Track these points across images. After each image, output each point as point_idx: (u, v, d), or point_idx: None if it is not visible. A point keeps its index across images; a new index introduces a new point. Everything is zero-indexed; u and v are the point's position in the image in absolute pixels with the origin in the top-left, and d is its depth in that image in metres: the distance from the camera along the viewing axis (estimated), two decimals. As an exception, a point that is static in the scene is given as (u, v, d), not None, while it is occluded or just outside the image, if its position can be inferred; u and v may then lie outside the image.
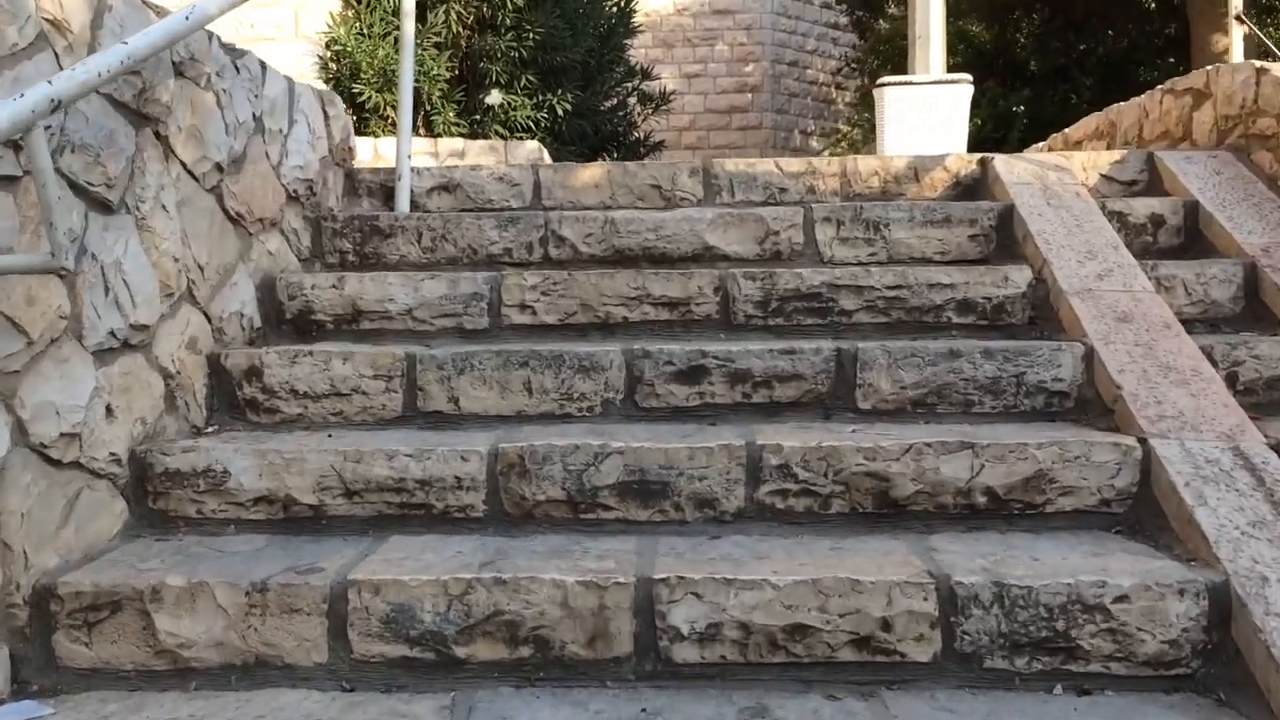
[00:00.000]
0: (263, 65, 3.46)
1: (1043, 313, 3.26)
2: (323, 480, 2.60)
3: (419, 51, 7.84)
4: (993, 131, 11.06)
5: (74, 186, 2.43)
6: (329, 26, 8.47)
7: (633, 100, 9.95)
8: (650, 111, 10.12)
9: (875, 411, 2.93)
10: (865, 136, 14.39)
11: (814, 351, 2.95)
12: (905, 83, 6.64)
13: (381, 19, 8.20)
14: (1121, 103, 5.21)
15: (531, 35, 8.13)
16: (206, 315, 3.03)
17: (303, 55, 9.44)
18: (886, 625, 2.17)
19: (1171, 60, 11.62)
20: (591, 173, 4.12)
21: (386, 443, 2.68)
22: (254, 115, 3.36)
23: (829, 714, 2.06)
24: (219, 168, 3.10)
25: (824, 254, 3.66)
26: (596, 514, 2.60)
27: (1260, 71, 3.89)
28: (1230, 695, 2.10)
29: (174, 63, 2.87)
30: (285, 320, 3.37)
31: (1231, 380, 2.94)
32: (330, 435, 2.84)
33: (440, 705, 2.11)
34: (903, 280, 3.29)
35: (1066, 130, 5.92)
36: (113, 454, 2.53)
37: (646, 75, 10.04)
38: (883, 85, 6.69)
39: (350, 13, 8.44)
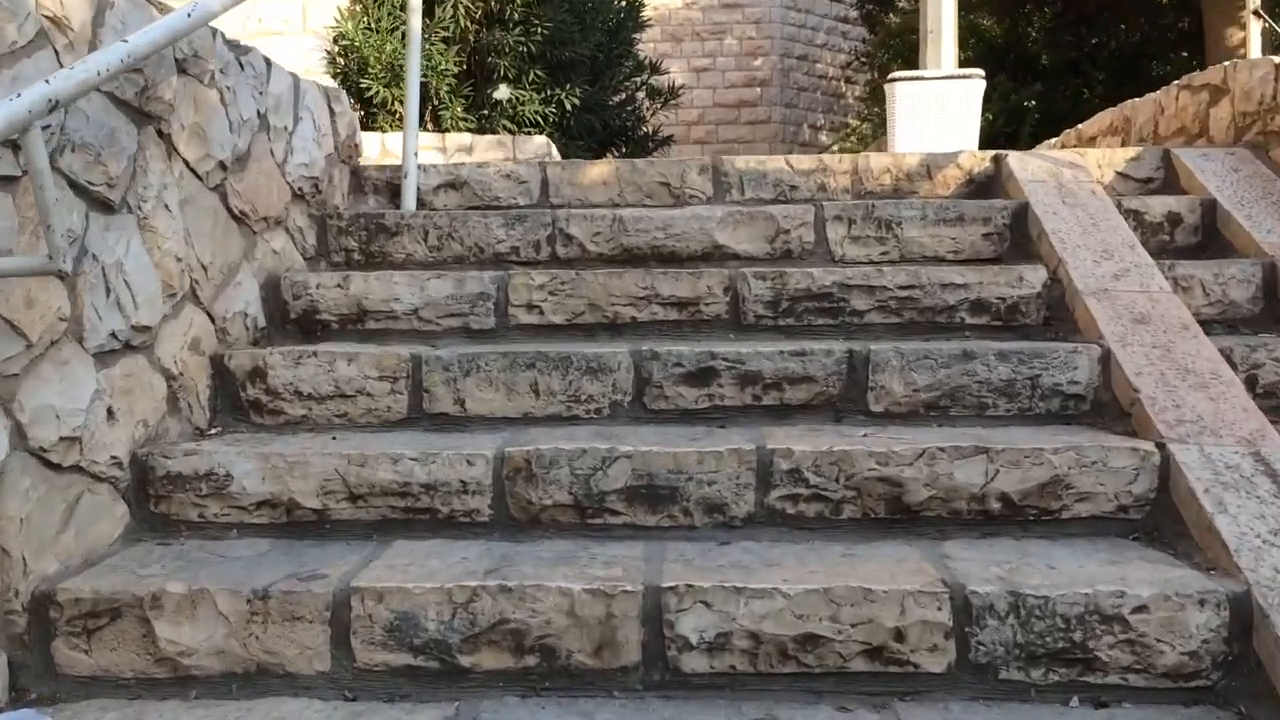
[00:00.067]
0: (267, 62, 3.42)
1: (1058, 313, 3.21)
2: (326, 484, 2.56)
3: (427, 46, 7.80)
4: (1004, 126, 10.98)
5: (74, 186, 2.40)
6: (337, 21, 8.43)
7: (641, 95, 9.89)
8: (659, 106, 10.06)
9: (887, 414, 2.88)
10: (875, 131, 14.31)
11: (825, 353, 2.91)
12: (916, 78, 6.58)
13: (389, 13, 8.15)
14: (1136, 98, 5.15)
15: (540, 30, 8.08)
16: (210, 315, 2.99)
17: (310, 50, 9.39)
18: (900, 635, 2.13)
19: (1184, 54, 11.52)
20: (600, 170, 4.07)
21: (391, 446, 2.65)
22: (258, 112, 3.32)
23: (841, 727, 2.02)
24: (222, 166, 3.06)
25: (835, 253, 3.61)
26: (604, 519, 2.56)
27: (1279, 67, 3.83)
28: (1251, 708, 2.06)
29: (177, 60, 2.83)
30: (290, 320, 3.33)
31: (1251, 383, 2.89)
32: (334, 438, 2.80)
33: (444, 715, 2.08)
34: (915, 280, 3.24)
35: (1080, 126, 5.85)
36: (114, 457, 2.50)
37: (655, 70, 9.98)
38: (894, 80, 6.63)
39: (358, 7, 8.39)
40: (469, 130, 7.84)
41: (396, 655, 2.18)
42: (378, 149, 6.75)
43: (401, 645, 2.18)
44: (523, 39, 8.05)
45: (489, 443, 2.67)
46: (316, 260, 3.69)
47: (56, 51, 2.35)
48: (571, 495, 2.55)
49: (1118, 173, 4.03)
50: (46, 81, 1.99)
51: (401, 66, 7.58)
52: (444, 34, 7.99)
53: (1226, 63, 4.27)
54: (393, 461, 2.56)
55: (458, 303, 3.31)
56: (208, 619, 2.19)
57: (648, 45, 12.09)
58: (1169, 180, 3.98)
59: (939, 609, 2.13)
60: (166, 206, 2.77)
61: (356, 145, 4.22)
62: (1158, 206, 3.65)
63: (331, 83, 7.90)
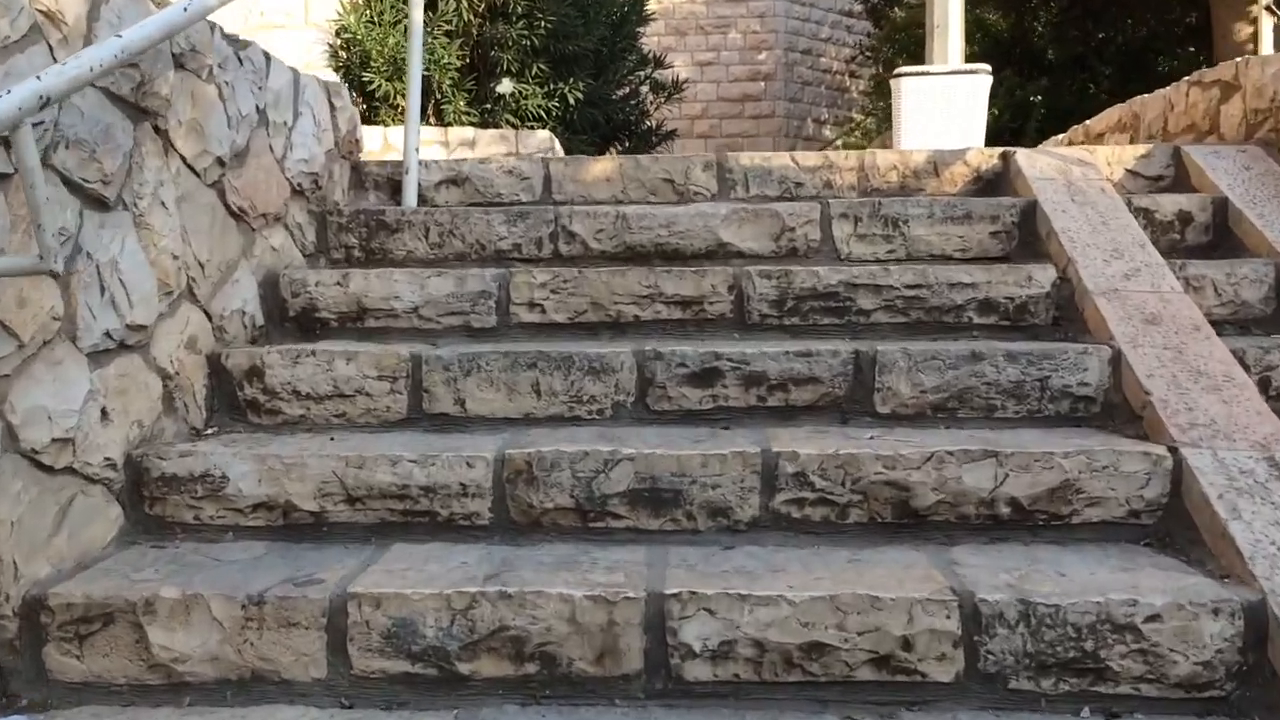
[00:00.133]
0: (267, 56, 3.38)
1: (1067, 313, 3.16)
2: (324, 486, 2.52)
3: (429, 40, 7.75)
4: (1010, 121, 10.91)
5: (68, 183, 2.35)
6: (339, 14, 8.38)
7: (645, 89, 9.83)
8: (663, 100, 10.00)
9: (894, 416, 2.84)
10: (879, 125, 14.24)
11: (831, 354, 2.86)
12: (923, 73, 6.52)
13: (392, 6, 8.10)
14: (1145, 95, 5.09)
15: (543, 23, 8.03)
16: (207, 314, 2.95)
17: (312, 43, 9.35)
18: (907, 644, 2.09)
19: (1192, 49, 11.44)
20: (603, 166, 4.03)
21: (390, 447, 2.61)
22: (257, 108, 3.28)
23: (847, 738, 1.98)
24: (220, 162, 3.02)
25: (841, 251, 3.56)
26: (606, 523, 2.52)
27: (1292, 63, 3.78)
28: (1266, 719, 2.01)
29: (174, 55, 2.78)
30: (288, 318, 3.29)
31: (1264, 385, 2.84)
32: (333, 438, 2.76)
33: (443, 725, 2.04)
34: (922, 279, 3.20)
35: (1088, 122, 5.79)
36: (108, 459, 2.46)
37: (659, 64, 9.92)
38: (900, 75, 6.57)
39: (360, 0, 8.34)
40: (472, 124, 7.80)
41: (394, 662, 2.15)
42: (379, 143, 6.71)
43: (399, 652, 2.14)
44: (526, 32, 8.00)
45: (489, 444, 2.63)
46: (316, 257, 3.65)
47: (50, 46, 2.31)
48: (573, 498, 2.51)
49: (1127, 170, 3.98)
50: (38, 78, 1.94)
51: (404, 60, 7.52)
52: (447, 27, 7.94)
53: (1238, 59, 4.22)
54: (391, 463, 2.52)
55: (459, 301, 3.26)
56: (202, 625, 2.15)
57: (651, 39, 12.02)
58: (1179, 178, 3.93)
59: (948, 617, 2.08)
60: (163, 203, 2.73)
61: (357, 140, 4.18)
62: (1168, 205, 3.60)
63: (333, 76, 7.87)
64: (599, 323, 3.26)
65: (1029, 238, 3.52)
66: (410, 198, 3.92)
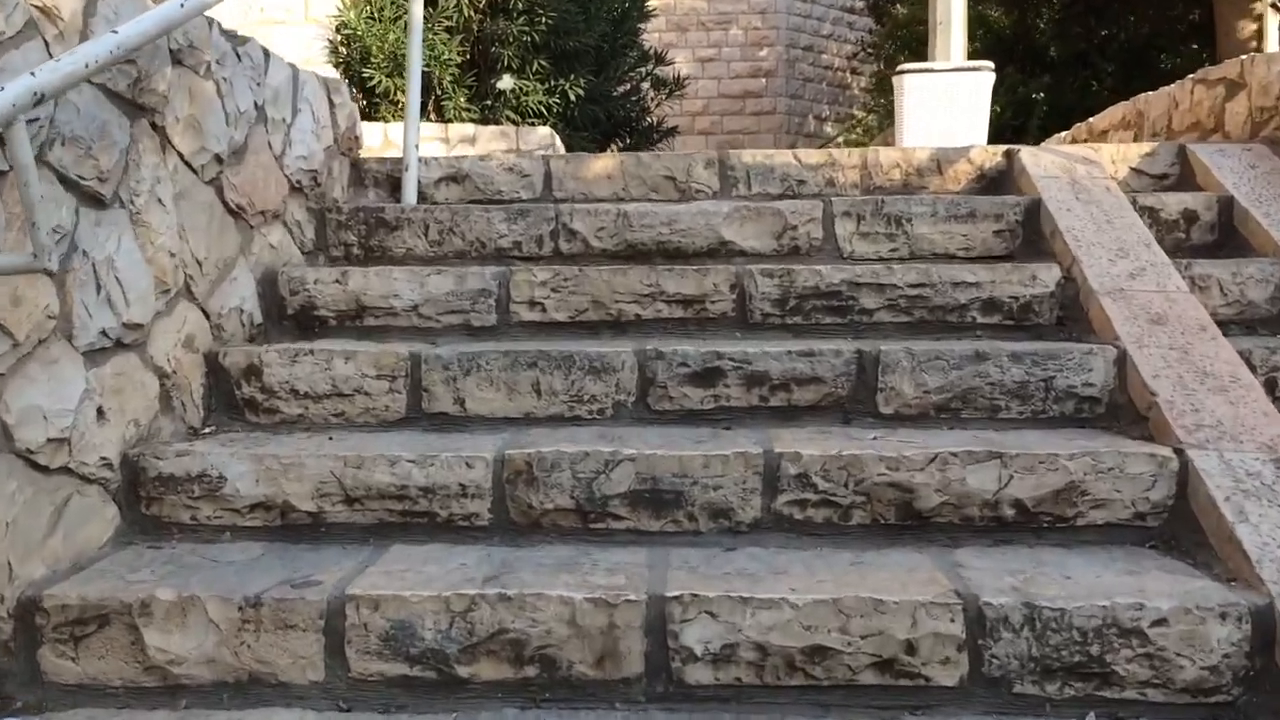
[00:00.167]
0: (265, 53, 3.35)
1: (1071, 313, 3.13)
2: (322, 487, 2.50)
3: (430, 36, 7.72)
4: (1012, 119, 10.87)
5: (64, 180, 2.33)
6: (339, 10, 8.36)
7: (646, 85, 9.80)
8: (664, 97, 9.97)
9: (897, 416, 2.81)
10: (881, 123, 14.20)
11: (834, 353, 2.84)
12: (925, 70, 6.49)
13: (392, 2, 8.08)
14: (1149, 92, 5.06)
15: (544, 19, 8.00)
16: (205, 312, 2.93)
17: (312, 39, 9.32)
18: (911, 648, 2.07)
19: (1194, 47, 11.41)
20: (604, 163, 4.00)
21: (389, 447, 2.58)
22: (256, 104, 3.25)
23: (850, 743, 1.96)
24: (218, 159, 3.00)
25: (844, 249, 3.54)
26: (606, 524, 2.49)
27: (1298, 61, 3.75)
28: (1274, 725, 2.00)
29: (172, 51, 2.76)
30: (287, 316, 3.26)
31: (1270, 386, 2.81)
32: (331, 438, 2.74)
33: (441, 728, 2.02)
34: (926, 278, 3.17)
35: (1091, 119, 5.77)
36: (104, 458, 2.44)
37: (660, 60, 9.89)
38: (902, 73, 6.54)
39: (361, -5, 8.32)
40: (472, 121, 7.77)
41: (392, 665, 2.12)
42: (380, 139, 6.68)
43: (398, 655, 2.12)
44: (527, 28, 7.97)
45: (489, 444, 2.61)
46: (315, 255, 3.62)
47: (46, 42, 2.28)
48: (573, 499, 2.49)
49: (1132, 168, 3.95)
50: (32, 74, 1.92)
51: (404, 56, 7.47)
52: (447, 23, 7.91)
53: (1244, 56, 4.19)
54: (390, 464, 2.50)
55: (458, 299, 3.24)
56: (198, 627, 2.13)
57: (652, 35, 12.01)
58: (1184, 176, 3.90)
59: (952, 621, 2.06)
60: (160, 201, 2.70)
61: (357, 137, 4.15)
62: (1173, 203, 3.57)
63: (334, 73, 7.84)
64: (600, 321, 3.23)
65: (1033, 236, 3.50)
66: (410, 195, 3.90)
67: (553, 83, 8.19)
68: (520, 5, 7.99)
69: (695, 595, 2.11)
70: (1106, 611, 2.04)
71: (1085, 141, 5.64)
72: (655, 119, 9.84)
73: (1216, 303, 3.16)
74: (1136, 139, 5.05)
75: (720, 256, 3.55)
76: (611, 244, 3.57)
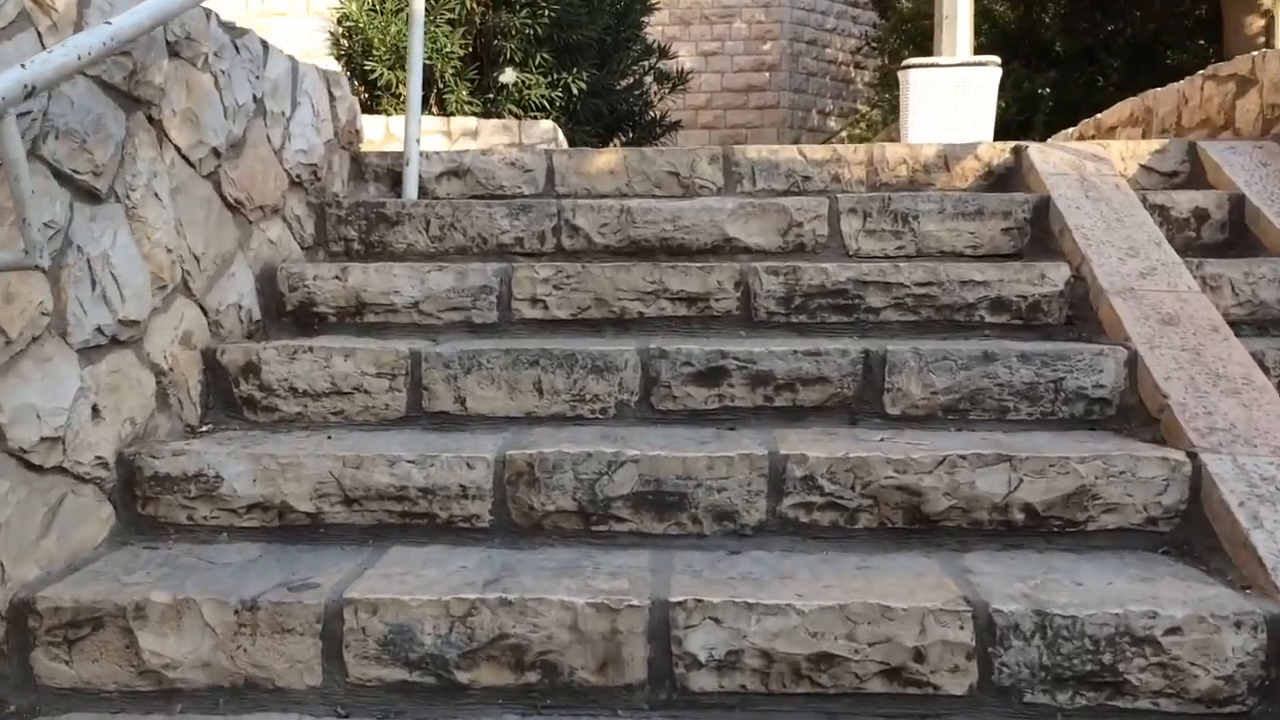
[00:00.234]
0: (264, 45, 3.30)
1: (1081, 313, 3.09)
2: (320, 487, 2.46)
3: (432, 28, 7.67)
4: (1017, 114, 10.80)
5: (58, 175, 2.29)
6: (341, 2, 8.30)
7: (649, 79, 9.74)
8: (667, 91, 9.91)
9: (904, 417, 2.77)
10: (885, 117, 14.13)
11: (840, 353, 2.79)
12: (931, 65, 6.43)
13: (394, -6, 8.02)
14: (1158, 88, 5.01)
15: (547, 12, 7.94)
16: (202, 308, 2.89)
17: (314, 31, 9.28)
18: (919, 655, 2.03)
19: (1201, 42, 11.33)
20: (607, 159, 3.95)
21: (388, 447, 2.54)
22: (254, 97, 3.21)
23: (857, 753, 1.92)
24: (216, 153, 2.95)
25: (849, 247, 3.49)
26: (609, 526, 2.45)
27: (1311, 58, 3.70)
28: (1289, 736, 1.96)
29: (169, 42, 2.71)
30: (286, 312, 3.22)
31: (1283, 388, 2.77)
32: (330, 437, 2.70)
33: (440, 736, 1.98)
34: (933, 277, 3.13)
35: (1099, 115, 5.71)
36: (99, 457, 2.40)
37: (664, 54, 9.82)
38: (908, 67, 6.48)
39: (362, -12, 8.26)
40: (474, 114, 7.72)
41: (391, 670, 2.09)
42: (381, 132, 6.63)
43: (396, 660, 2.08)
44: (529, 21, 7.91)
45: (490, 444, 2.57)
46: (315, 250, 3.58)
47: (39, 34, 2.24)
48: (575, 501, 2.45)
49: (1141, 165, 3.90)
50: (22, 66, 1.88)
51: (406, 49, 7.44)
52: (449, 15, 7.86)
53: (1255, 53, 4.14)
54: (389, 464, 2.46)
55: (459, 296, 3.20)
56: (193, 630, 2.09)
57: (655, 29, 11.94)
58: (1194, 174, 3.86)
59: (961, 628, 2.02)
60: (156, 195, 2.66)
61: (357, 131, 4.11)
62: (1184, 202, 3.53)
63: (335, 65, 7.80)
64: (602, 319, 3.19)
65: (1041, 235, 3.45)
66: (411, 190, 3.86)
67: (555, 76, 8.13)
68: (523, -2, 7.94)
69: (699, 601, 2.07)
70: (1119, 619, 2.00)
71: (1093, 138, 5.59)
72: (658, 113, 9.78)
73: (1228, 303, 3.12)
74: (1145, 135, 5.00)
75: (724, 254, 3.51)
76: (614, 240, 3.53)
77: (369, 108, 7.81)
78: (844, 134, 15.37)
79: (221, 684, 2.10)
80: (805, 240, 3.50)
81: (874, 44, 14.65)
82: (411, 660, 2.08)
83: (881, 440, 2.59)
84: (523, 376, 2.81)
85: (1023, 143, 3.92)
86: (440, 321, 3.20)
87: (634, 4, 9.23)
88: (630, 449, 2.47)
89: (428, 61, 7.50)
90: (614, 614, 2.07)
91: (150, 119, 2.65)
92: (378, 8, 8.02)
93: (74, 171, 2.32)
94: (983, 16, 11.12)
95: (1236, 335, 2.85)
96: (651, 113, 9.68)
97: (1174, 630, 2.00)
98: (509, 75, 8.05)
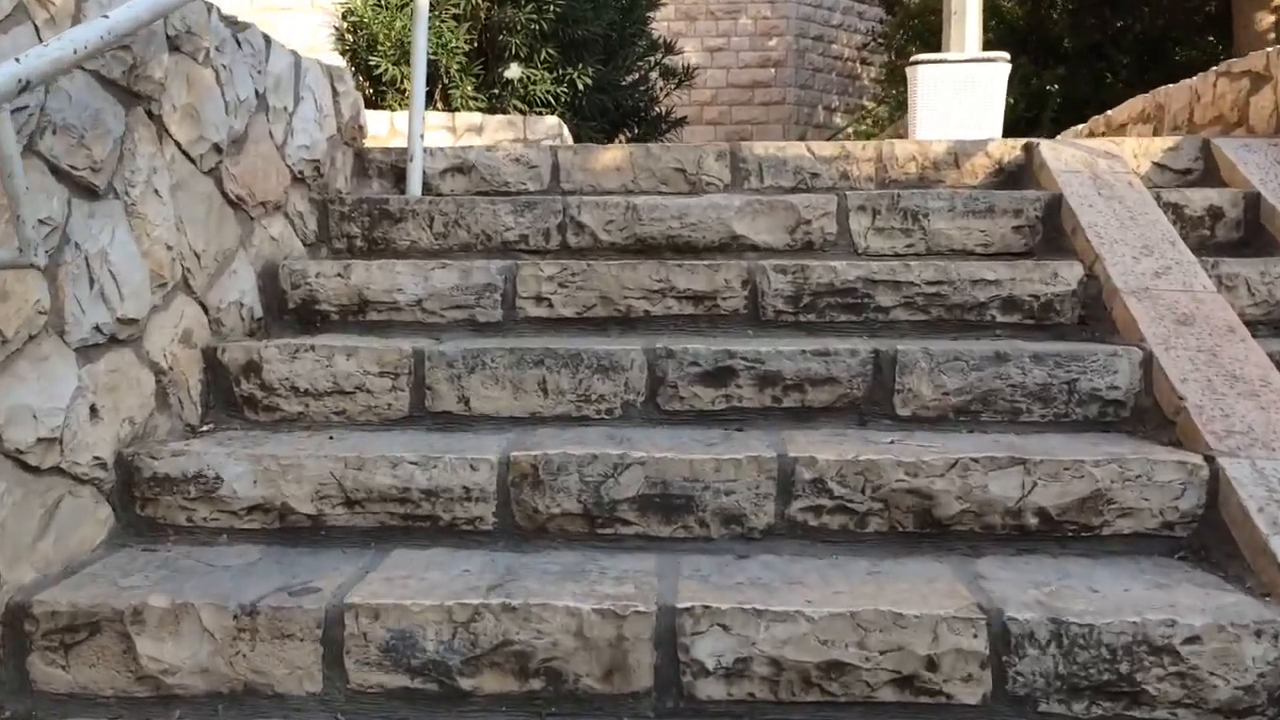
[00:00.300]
0: (266, 39, 3.26)
1: (1094, 312, 3.04)
2: (321, 489, 2.42)
3: (437, 23, 7.62)
4: (1025, 111, 10.73)
5: (55, 171, 2.25)
6: (345, -4, 8.25)
7: (654, 75, 9.69)
8: (673, 87, 9.86)
9: (915, 419, 2.73)
10: (891, 114, 14.06)
11: (849, 353, 2.75)
12: (940, 60, 6.37)
13: (399, -11, 7.97)
14: (1169, 84, 4.95)
15: (552, 8, 7.88)
16: (203, 306, 2.85)
17: (318, 26, 9.23)
18: (932, 664, 1.98)
19: (1211, 39, 11.25)
20: (612, 155, 3.91)
21: (391, 447, 2.50)
22: (256, 92, 3.17)
23: (868, 764, 1.88)
24: (217, 149, 2.91)
25: (858, 245, 3.45)
26: (615, 529, 2.41)
27: (1327, 54, 3.65)
28: (1310, 748, 1.91)
29: (169, 37, 2.67)
30: (288, 310, 3.18)
31: (1301, 390, 2.72)
32: (332, 437, 2.66)
33: (443, 744, 1.94)
34: (944, 276, 3.08)
35: (1109, 112, 5.65)
36: (97, 458, 2.36)
37: (669, 49, 9.77)
38: (916, 63, 6.42)
39: (367, -17, 8.20)
40: (479, 110, 7.67)
41: (392, 676, 2.05)
42: (386, 127, 6.59)
43: (398, 666, 2.05)
44: (535, 16, 7.86)
45: (494, 445, 2.53)
46: (317, 247, 3.54)
47: (36, 26, 2.20)
48: (581, 504, 2.41)
49: (1154, 163, 3.85)
50: (16, 60, 1.83)
51: (410, 43, 7.40)
52: (454, 10, 7.80)
53: (1269, 49, 4.08)
54: (392, 465, 2.42)
55: (463, 294, 3.16)
56: (192, 635, 2.06)
57: (661, 24, 11.89)
58: (1208, 171, 3.81)
59: (975, 636, 1.98)
60: (156, 192, 2.62)
61: (360, 126, 4.06)
62: (1198, 200, 3.48)
63: (340, 60, 7.75)
64: (608, 318, 3.15)
65: (1053, 233, 3.40)
66: (415, 186, 3.82)
67: (561, 72, 8.08)
68: (528, -8, 7.89)
69: (707, 607, 2.03)
70: (1137, 628, 1.96)
71: (1103, 135, 5.53)
72: (664, 109, 9.73)
73: (1244, 303, 3.07)
74: (1156, 132, 4.95)
75: (732, 251, 3.46)
76: (620, 238, 3.48)
77: (373, 103, 7.76)
78: (850, 130, 15.31)
79: (220, 690, 2.07)
80: (814, 238, 3.45)
81: (880, 40, 14.58)
82: (413, 666, 2.05)
83: (892, 442, 2.54)
84: (527, 376, 2.77)
85: (1034, 140, 3.87)
86: (444, 320, 3.16)
87: (639, -1, 9.19)
88: (636, 451, 2.43)
89: (433, 56, 7.46)
90: (620, 620, 2.03)
91: (150, 114, 2.61)
92: (383, 2, 7.97)
93: (72, 168, 2.29)
94: (991, 12, 11.04)
95: (1253, 336, 2.81)
96: (657, 108, 9.62)
97: (1193, 639, 1.95)
98: (514, 70, 8.00)
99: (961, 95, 6.10)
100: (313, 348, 2.80)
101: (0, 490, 2.06)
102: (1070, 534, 2.35)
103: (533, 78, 7.97)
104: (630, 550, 2.39)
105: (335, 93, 3.80)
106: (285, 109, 3.37)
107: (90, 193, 2.36)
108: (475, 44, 7.98)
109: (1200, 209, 3.46)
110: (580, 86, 8.08)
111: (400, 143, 5.03)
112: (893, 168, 3.87)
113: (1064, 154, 3.69)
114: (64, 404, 2.25)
